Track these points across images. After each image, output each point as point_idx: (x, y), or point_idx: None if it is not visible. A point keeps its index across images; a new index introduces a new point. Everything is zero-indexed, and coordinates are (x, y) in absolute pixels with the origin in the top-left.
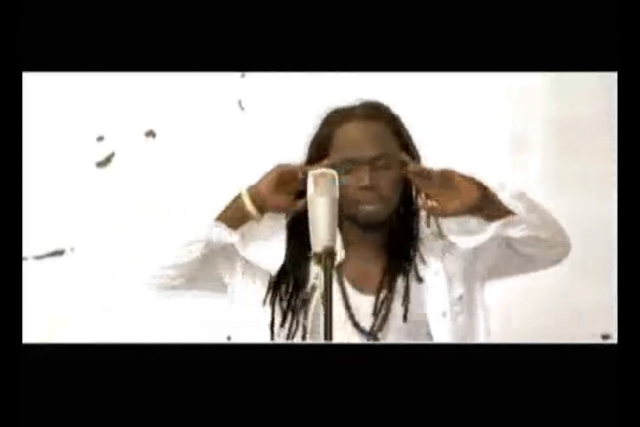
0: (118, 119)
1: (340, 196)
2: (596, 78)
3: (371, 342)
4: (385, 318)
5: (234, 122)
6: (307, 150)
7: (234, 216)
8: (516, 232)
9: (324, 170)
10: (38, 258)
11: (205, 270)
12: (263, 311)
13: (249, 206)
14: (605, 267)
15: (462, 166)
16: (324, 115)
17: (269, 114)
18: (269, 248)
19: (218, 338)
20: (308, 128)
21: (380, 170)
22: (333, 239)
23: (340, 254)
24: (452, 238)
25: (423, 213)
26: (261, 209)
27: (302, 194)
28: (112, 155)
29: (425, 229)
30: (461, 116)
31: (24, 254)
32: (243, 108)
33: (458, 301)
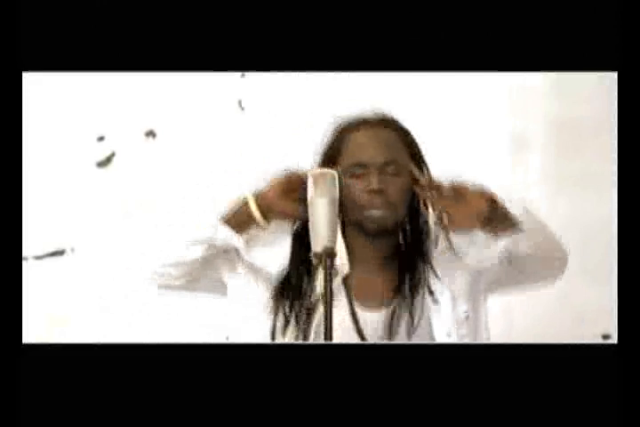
0: (118, 119)
1: (347, 200)
2: (596, 78)
3: (371, 342)
4: (392, 335)
5: (234, 122)
6: (318, 157)
7: (239, 220)
8: (521, 248)
9: (323, 170)
10: (38, 258)
11: (206, 271)
12: (263, 315)
13: (254, 212)
14: (605, 267)
15: (462, 166)
16: (336, 123)
17: (269, 114)
18: (272, 253)
19: (217, 339)
20: (309, 128)
21: (388, 176)
22: (333, 239)
23: (344, 268)
24: (462, 257)
25: (431, 227)
26: (267, 215)
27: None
28: (112, 155)
29: (433, 245)
30: (462, 116)
31: (24, 254)
32: (243, 109)
33: (464, 321)
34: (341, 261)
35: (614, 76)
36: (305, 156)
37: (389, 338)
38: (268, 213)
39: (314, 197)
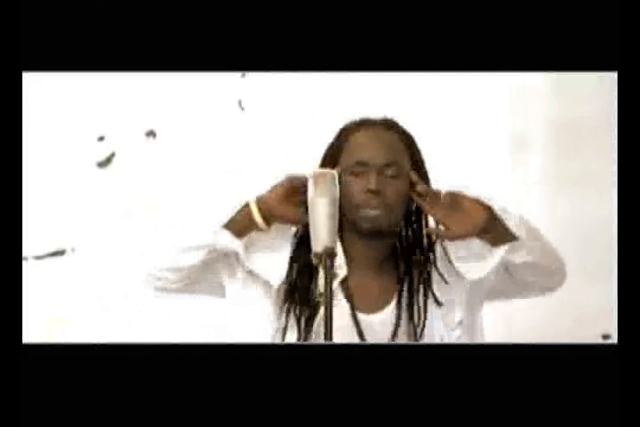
0: (119, 119)
1: (344, 198)
2: (596, 78)
3: (370, 342)
4: (393, 338)
5: (234, 122)
6: (320, 156)
7: (240, 225)
8: (518, 258)
9: (323, 170)
10: (38, 258)
11: (205, 275)
12: (261, 320)
13: (256, 216)
14: (605, 267)
15: (462, 167)
16: (342, 125)
17: (269, 114)
18: (272, 258)
19: (217, 339)
20: (309, 128)
21: (387, 177)
22: (334, 240)
23: (342, 271)
24: (459, 267)
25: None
26: (268, 219)
27: None
28: (112, 155)
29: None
30: (462, 116)
31: (24, 254)
32: (243, 108)
33: (458, 325)
34: (338, 263)
35: (614, 76)
36: (305, 156)
37: (390, 340)
38: (269, 217)
39: (314, 197)
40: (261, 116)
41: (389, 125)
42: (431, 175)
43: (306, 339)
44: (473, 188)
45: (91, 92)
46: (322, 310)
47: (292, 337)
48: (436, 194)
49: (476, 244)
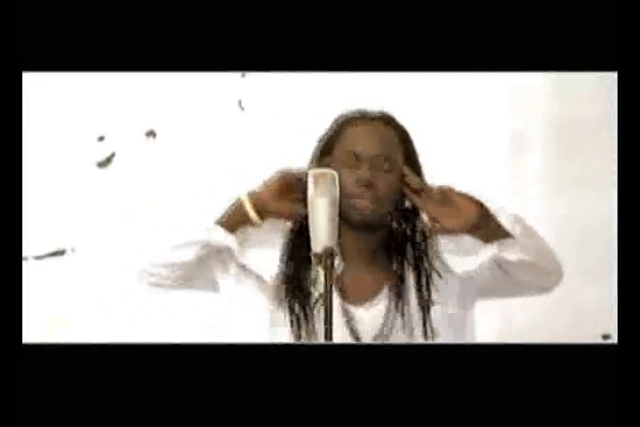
0: (119, 119)
1: None
2: (596, 78)
3: (370, 342)
4: (384, 332)
5: (234, 122)
6: (314, 147)
7: (233, 220)
8: (511, 255)
9: (324, 170)
10: (38, 258)
11: (199, 271)
12: (255, 315)
13: (250, 212)
14: (605, 267)
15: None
16: (337, 117)
17: (269, 114)
18: (266, 253)
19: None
20: (309, 128)
21: (380, 171)
22: (334, 240)
23: (340, 266)
24: (447, 260)
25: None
26: (262, 215)
27: (305, 199)
28: (112, 155)
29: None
30: (462, 116)
31: (24, 254)
32: (243, 108)
33: (448, 319)
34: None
35: (614, 76)
36: (305, 156)
37: (383, 334)
38: (263, 213)
39: (314, 196)
40: (261, 116)
41: (385, 120)
42: (431, 175)
43: (300, 334)
44: (473, 188)
45: (91, 92)
46: (317, 305)
47: (286, 332)
48: (428, 188)
49: (467, 239)
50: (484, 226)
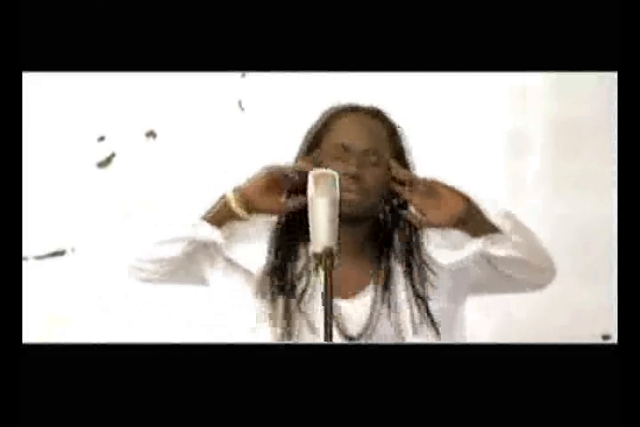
0: (119, 119)
1: None
2: (596, 78)
3: (370, 342)
4: (372, 325)
5: (234, 122)
6: (303, 139)
7: (219, 215)
8: (499, 250)
9: (324, 170)
10: (38, 258)
11: (187, 266)
12: (243, 309)
13: (235, 207)
14: (605, 267)
15: (462, 166)
16: (326, 109)
17: (269, 114)
18: (253, 248)
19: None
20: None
21: (368, 164)
22: (334, 240)
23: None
24: (434, 253)
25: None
26: (249, 210)
27: (292, 194)
28: (112, 155)
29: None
30: (461, 116)
31: (24, 254)
32: (243, 109)
33: (437, 312)
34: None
35: (614, 76)
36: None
37: (370, 325)
38: (250, 208)
39: (314, 196)
40: (261, 116)
41: (374, 113)
42: (431, 175)
43: (287, 327)
44: (473, 188)
45: (91, 92)
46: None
47: (273, 324)
48: (413, 180)
49: (455, 233)
50: (471, 220)
